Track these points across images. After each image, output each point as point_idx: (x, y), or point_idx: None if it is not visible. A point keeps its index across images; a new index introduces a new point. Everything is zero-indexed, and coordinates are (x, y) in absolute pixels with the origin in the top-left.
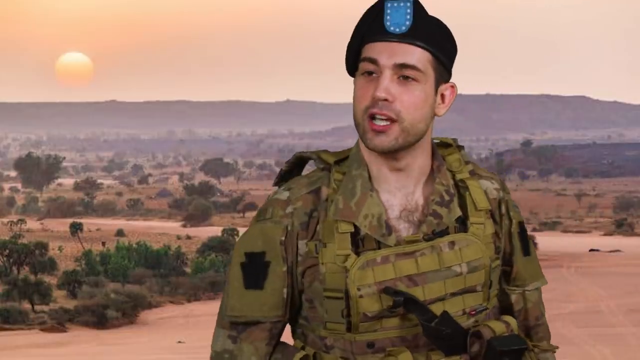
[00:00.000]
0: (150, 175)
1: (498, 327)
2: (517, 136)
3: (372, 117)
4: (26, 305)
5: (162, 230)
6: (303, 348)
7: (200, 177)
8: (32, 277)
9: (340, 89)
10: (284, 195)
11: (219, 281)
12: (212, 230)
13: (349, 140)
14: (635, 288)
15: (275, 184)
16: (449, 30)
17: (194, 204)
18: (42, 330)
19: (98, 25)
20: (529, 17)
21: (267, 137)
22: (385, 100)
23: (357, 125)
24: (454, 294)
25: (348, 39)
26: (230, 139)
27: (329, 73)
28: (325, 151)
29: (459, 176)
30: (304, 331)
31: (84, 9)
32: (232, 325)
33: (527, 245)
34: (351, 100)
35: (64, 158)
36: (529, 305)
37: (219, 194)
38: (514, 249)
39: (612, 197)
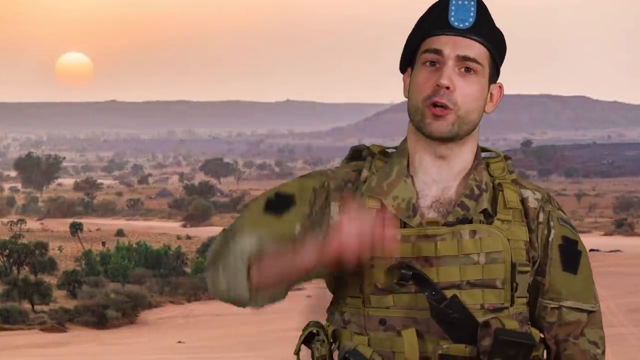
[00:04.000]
0: (150, 175)
1: (510, 323)
2: (517, 136)
3: (433, 105)
4: (26, 305)
5: (162, 230)
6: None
7: (200, 177)
8: (32, 277)
9: (340, 89)
10: (330, 169)
11: None
12: (212, 230)
13: (349, 140)
14: (635, 288)
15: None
16: (503, 35)
17: (194, 204)
18: (42, 330)
19: (98, 25)
20: (528, 17)
21: (267, 137)
22: (447, 88)
23: (414, 112)
24: (471, 284)
25: (348, 39)
26: (230, 139)
27: (329, 73)
28: (378, 145)
29: (498, 181)
30: (331, 310)
31: (84, 9)
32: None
33: (573, 262)
34: (351, 101)
35: (64, 158)
36: (563, 322)
37: (219, 194)
38: (550, 259)
39: (612, 197)
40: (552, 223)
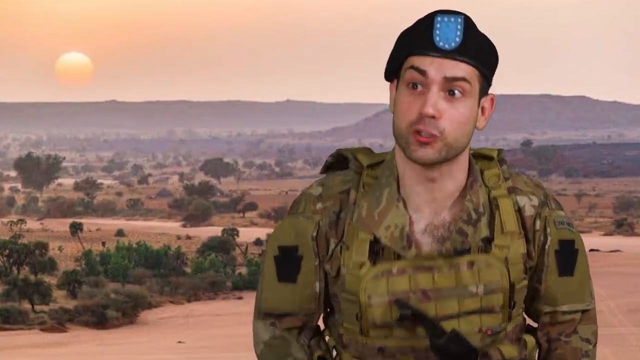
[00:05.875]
0: (150, 175)
1: (509, 351)
2: (517, 136)
3: (418, 132)
4: (26, 305)
5: (162, 230)
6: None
7: (200, 177)
8: (32, 277)
9: (340, 89)
10: (317, 190)
11: (218, 281)
12: (212, 230)
13: (349, 140)
14: (635, 288)
15: (322, 173)
16: (493, 45)
17: (194, 204)
18: (42, 330)
19: (98, 25)
20: (528, 17)
21: (267, 137)
22: (432, 117)
23: (398, 136)
24: (469, 313)
25: (348, 39)
26: (230, 139)
27: (329, 73)
28: (365, 150)
29: (494, 192)
30: (328, 321)
31: (84, 9)
32: (267, 316)
33: (569, 264)
34: (352, 101)
35: (64, 158)
36: (556, 321)
37: (219, 194)
38: (546, 266)
39: (612, 197)
40: (548, 230)
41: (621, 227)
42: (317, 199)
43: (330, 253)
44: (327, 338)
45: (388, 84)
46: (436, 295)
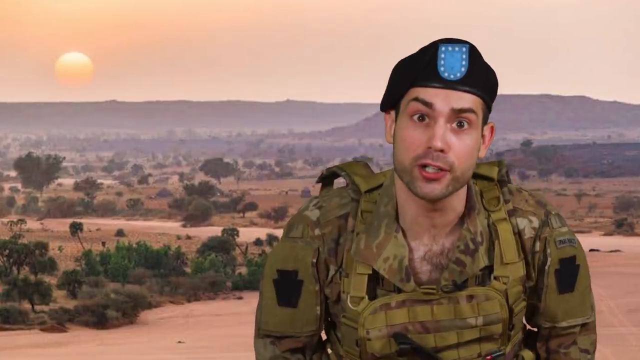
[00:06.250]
0: (150, 175)
1: None
2: (517, 136)
3: (423, 166)
4: (26, 305)
5: (162, 230)
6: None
7: (200, 177)
8: (32, 277)
9: (340, 89)
10: (315, 214)
11: (218, 281)
12: (212, 230)
13: (349, 140)
14: (635, 288)
15: (318, 182)
16: (494, 73)
17: (194, 204)
18: (42, 330)
19: (98, 25)
20: (528, 17)
21: (267, 137)
22: (441, 151)
23: (401, 171)
24: (469, 342)
25: (348, 39)
26: (230, 139)
27: (329, 73)
28: (361, 170)
29: (493, 217)
30: (330, 335)
31: (84, 9)
32: (267, 336)
33: (569, 282)
34: (352, 101)
35: (64, 158)
36: (556, 334)
37: (219, 194)
38: (546, 286)
39: (612, 197)
40: (548, 251)
41: (621, 227)
42: (315, 224)
43: (329, 279)
44: (329, 351)
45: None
46: (435, 327)
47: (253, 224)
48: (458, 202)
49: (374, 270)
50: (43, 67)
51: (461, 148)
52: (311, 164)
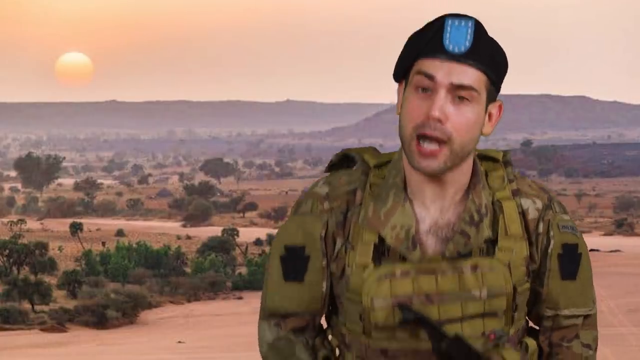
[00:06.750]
0: (150, 175)
1: (512, 356)
2: (517, 136)
3: (420, 137)
4: (26, 305)
5: (162, 230)
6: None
7: (200, 177)
8: (32, 277)
9: (340, 89)
10: (324, 190)
11: (218, 281)
12: (212, 230)
13: (349, 140)
14: (635, 288)
15: (326, 172)
16: (503, 50)
17: (194, 204)
18: (42, 330)
19: (98, 25)
20: (528, 17)
21: (267, 137)
22: (439, 120)
23: (403, 140)
24: (472, 316)
25: (348, 39)
26: (230, 139)
27: (329, 73)
28: (371, 150)
29: (498, 195)
30: (331, 321)
31: (84, 9)
32: (272, 316)
33: (572, 269)
34: (352, 101)
35: (64, 158)
36: (558, 326)
37: (219, 194)
38: (549, 270)
39: (612, 197)
40: (551, 233)
41: (621, 227)
42: (324, 198)
43: (336, 253)
44: (330, 337)
45: (388, 84)
46: (439, 299)
47: (253, 224)
48: (462, 176)
49: (379, 240)
50: (43, 67)
51: (460, 120)
52: (311, 164)
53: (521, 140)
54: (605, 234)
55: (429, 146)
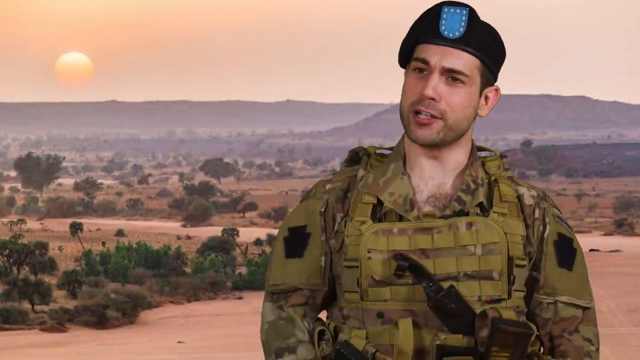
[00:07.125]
0: (150, 175)
1: (507, 313)
2: (517, 136)
3: (417, 112)
4: (26, 305)
5: (162, 230)
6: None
7: (200, 177)
8: (32, 277)
9: (340, 89)
10: (329, 177)
11: (218, 281)
12: (212, 230)
13: (349, 140)
14: (635, 288)
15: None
16: (499, 37)
17: (194, 204)
18: (42, 330)
19: (98, 25)
20: (529, 17)
21: (267, 137)
22: (432, 99)
23: (402, 117)
24: (468, 276)
25: (348, 39)
26: (230, 139)
27: (329, 73)
28: (375, 147)
29: (494, 177)
30: (329, 311)
31: (84, 9)
32: (275, 296)
33: (568, 258)
34: (352, 101)
35: (64, 158)
36: (558, 318)
37: (219, 194)
38: (545, 255)
39: (612, 197)
40: (547, 219)
41: (621, 227)
42: (328, 181)
43: (335, 229)
44: (328, 322)
45: (388, 84)
46: (435, 254)
47: (253, 224)
48: (460, 155)
49: (378, 203)
50: (43, 67)
51: (453, 99)
52: (311, 164)
53: (521, 140)
54: (605, 234)
55: (424, 116)
